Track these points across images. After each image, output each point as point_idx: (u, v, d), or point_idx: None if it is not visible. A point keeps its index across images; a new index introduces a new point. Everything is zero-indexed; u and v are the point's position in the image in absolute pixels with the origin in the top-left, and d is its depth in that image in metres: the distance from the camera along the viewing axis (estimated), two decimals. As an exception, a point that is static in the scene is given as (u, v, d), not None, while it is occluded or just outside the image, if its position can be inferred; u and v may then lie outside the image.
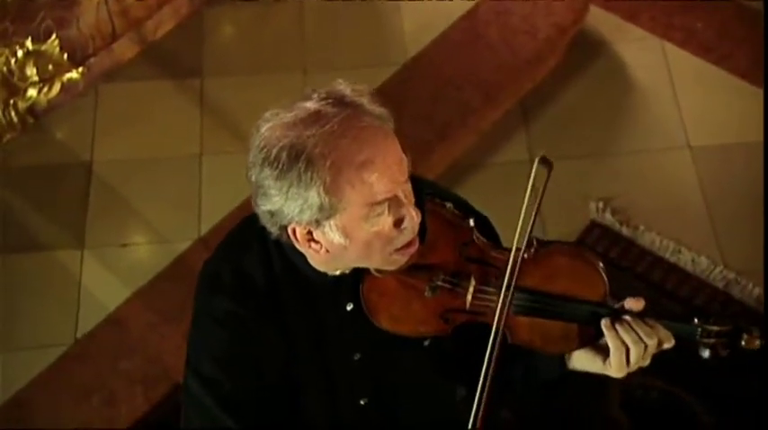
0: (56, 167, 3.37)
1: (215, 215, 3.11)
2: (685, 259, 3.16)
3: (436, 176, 3.36)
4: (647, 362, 1.60)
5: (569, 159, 3.48)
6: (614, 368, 1.58)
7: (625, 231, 3.25)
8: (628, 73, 3.72)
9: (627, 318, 1.58)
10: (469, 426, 1.52)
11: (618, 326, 1.56)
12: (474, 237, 1.58)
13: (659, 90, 3.65)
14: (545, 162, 1.53)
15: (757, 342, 1.60)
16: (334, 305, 1.62)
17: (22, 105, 3.44)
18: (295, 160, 1.44)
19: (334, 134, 1.44)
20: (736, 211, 3.28)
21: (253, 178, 1.49)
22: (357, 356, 1.67)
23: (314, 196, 1.45)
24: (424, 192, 1.58)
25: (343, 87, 1.50)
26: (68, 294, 3.07)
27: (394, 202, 1.49)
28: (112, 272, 3.12)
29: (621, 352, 1.56)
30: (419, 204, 1.54)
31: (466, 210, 1.64)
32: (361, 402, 1.71)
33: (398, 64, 3.60)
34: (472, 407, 1.53)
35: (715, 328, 1.61)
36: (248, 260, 1.60)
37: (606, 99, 3.63)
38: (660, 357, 2.88)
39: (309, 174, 1.43)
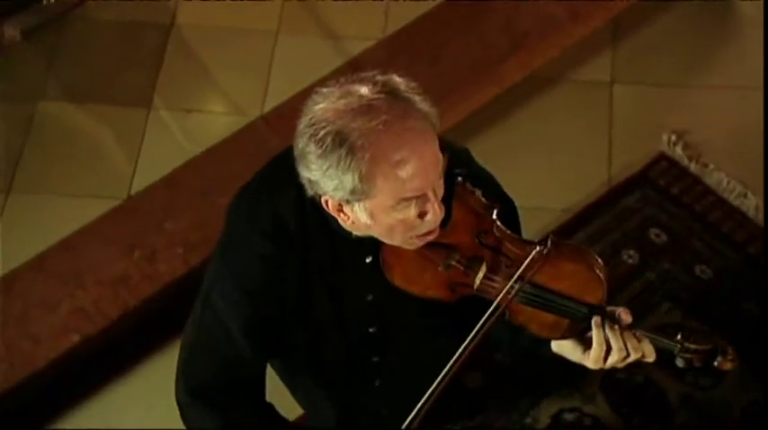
0: (136, 25, 3.43)
1: (281, 95, 3.13)
2: (749, 204, 3.06)
3: (509, 87, 3.31)
4: (622, 366, 1.75)
5: (650, 86, 3.37)
6: (591, 361, 1.73)
7: (693, 168, 3.16)
8: (732, 1, 3.54)
9: (620, 325, 1.72)
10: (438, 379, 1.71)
11: (607, 327, 1.70)
12: (494, 227, 1.70)
13: (762, 24, 3.47)
14: None
15: (728, 365, 1.76)
16: (355, 256, 1.76)
17: (110, -43, 3.48)
18: (339, 146, 1.55)
19: (378, 130, 1.55)
20: (815, 164, 3.15)
21: (299, 146, 1.61)
22: (370, 297, 1.82)
23: (349, 180, 1.57)
24: (456, 173, 1.70)
25: (400, 81, 1.61)
26: (129, 151, 3.17)
27: (422, 199, 1.61)
28: (173, 135, 3.20)
29: (602, 349, 1.70)
30: (448, 188, 1.67)
31: (495, 194, 1.77)
32: (370, 330, 1.88)
33: (493, -34, 3.51)
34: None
35: (692, 346, 1.76)
36: (284, 202, 1.73)
37: (703, 27, 3.48)
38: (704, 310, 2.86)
39: (348, 161, 1.56)
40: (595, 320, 1.69)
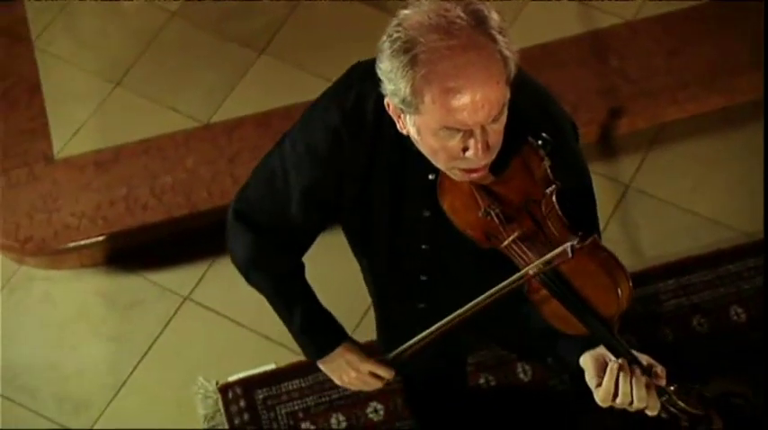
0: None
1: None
2: None
3: (742, 102, 3.31)
4: (632, 409, 1.71)
5: None
6: (600, 398, 1.72)
7: None
8: None
9: (637, 372, 1.68)
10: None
11: (621, 374, 1.68)
12: (543, 202, 1.69)
13: None
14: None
15: None
16: (419, 171, 1.81)
17: None
18: (403, 53, 1.59)
19: (442, 52, 1.57)
20: None
21: (380, 42, 1.65)
22: (427, 214, 1.86)
23: (402, 89, 1.61)
24: (540, 137, 1.68)
25: (493, 16, 1.60)
26: (367, 48, 3.43)
27: (467, 134, 1.63)
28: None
29: (609, 392, 1.70)
30: (511, 143, 1.68)
31: (570, 178, 1.73)
32: (423, 246, 1.93)
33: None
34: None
35: (680, 404, 1.70)
36: (371, 93, 1.75)
37: None
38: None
39: (406, 70, 1.59)
40: (612, 365, 1.68)
